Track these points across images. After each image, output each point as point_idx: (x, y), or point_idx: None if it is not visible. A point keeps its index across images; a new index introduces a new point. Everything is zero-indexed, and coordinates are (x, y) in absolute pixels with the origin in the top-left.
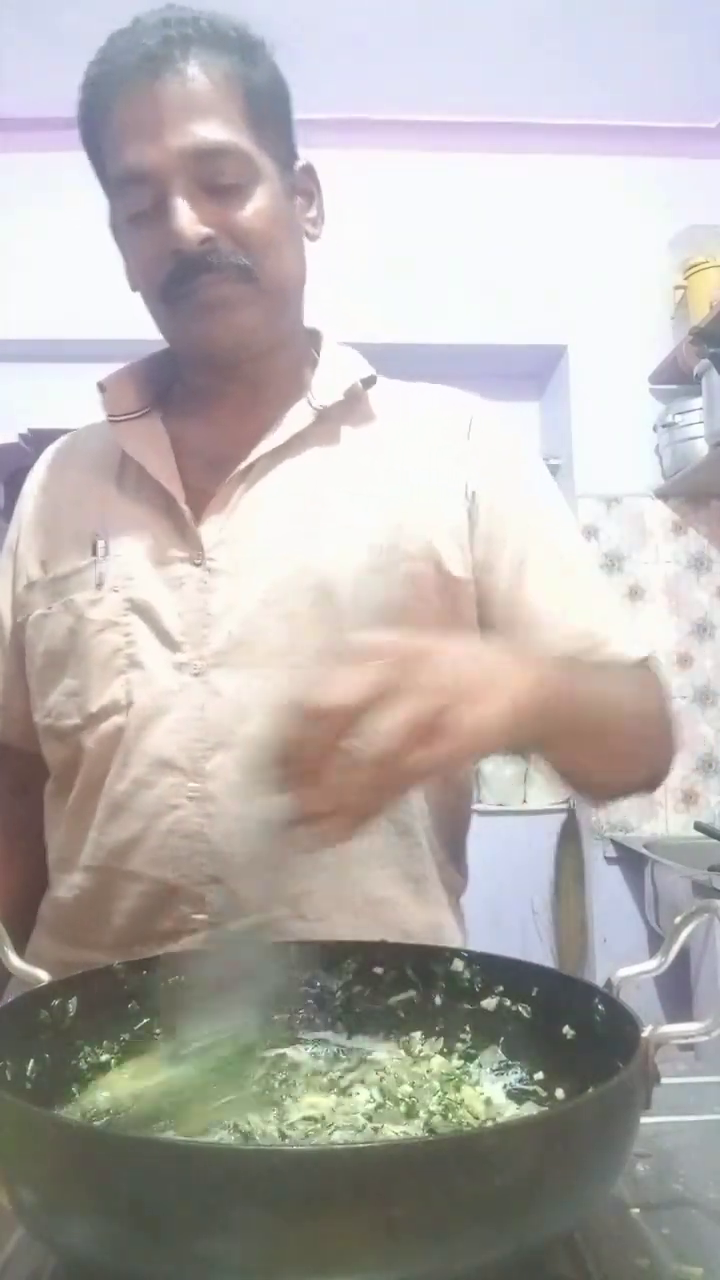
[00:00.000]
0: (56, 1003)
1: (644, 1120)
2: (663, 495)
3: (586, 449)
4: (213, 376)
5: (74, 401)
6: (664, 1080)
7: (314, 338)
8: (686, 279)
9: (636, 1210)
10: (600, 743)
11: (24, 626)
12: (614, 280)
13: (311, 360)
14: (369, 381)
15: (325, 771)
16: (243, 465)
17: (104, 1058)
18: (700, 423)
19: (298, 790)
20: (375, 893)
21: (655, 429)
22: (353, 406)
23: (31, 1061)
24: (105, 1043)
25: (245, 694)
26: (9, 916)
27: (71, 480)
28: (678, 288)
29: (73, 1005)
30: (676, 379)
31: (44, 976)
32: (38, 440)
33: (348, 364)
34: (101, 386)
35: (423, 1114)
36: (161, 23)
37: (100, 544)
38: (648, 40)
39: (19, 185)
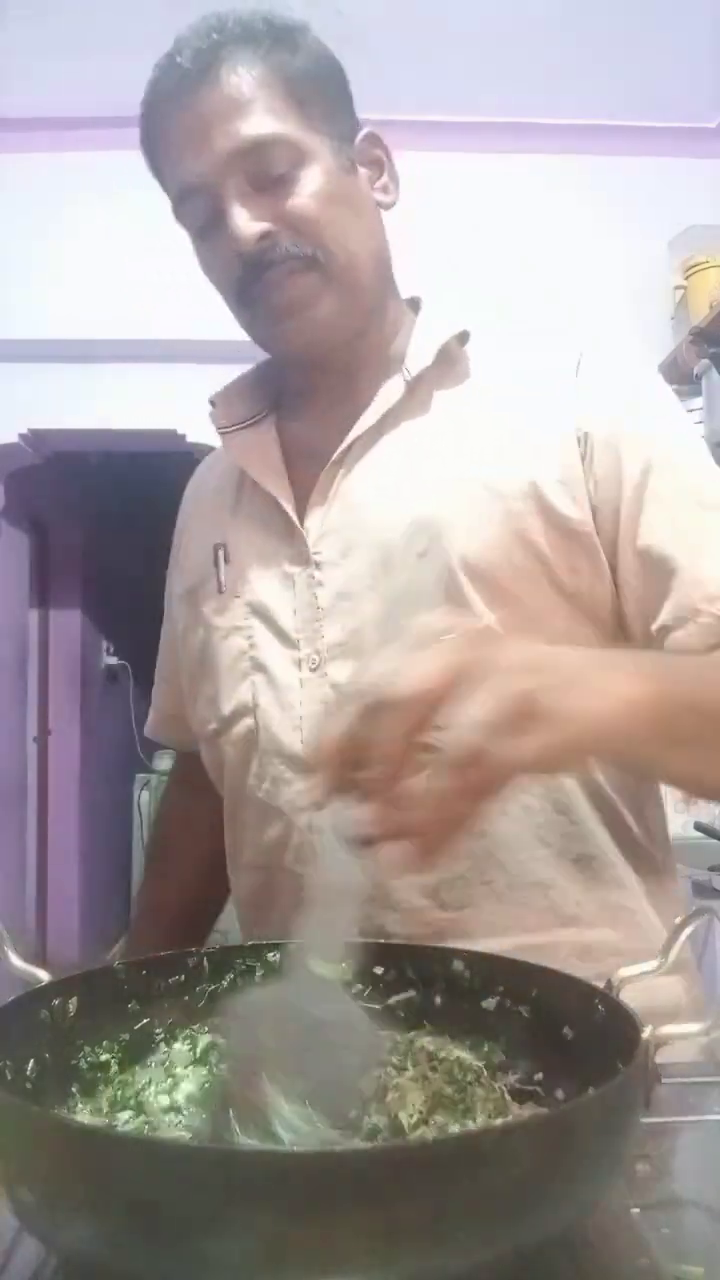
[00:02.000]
0: (56, 1003)
1: (644, 1120)
2: None
3: None
4: (306, 373)
5: (74, 401)
6: (664, 1080)
7: (412, 304)
8: (686, 279)
9: (636, 1210)
10: None
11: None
12: (614, 280)
13: (408, 329)
14: (463, 338)
15: (405, 776)
16: (336, 453)
17: (104, 1058)
18: (700, 423)
19: (373, 801)
20: (525, 877)
21: None
22: (447, 369)
23: (31, 1061)
24: (105, 1043)
25: None
26: (185, 909)
27: (204, 500)
28: (678, 288)
29: (73, 1005)
30: (676, 379)
31: (44, 976)
32: (38, 440)
33: (440, 324)
34: (211, 402)
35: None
36: (192, 35)
37: (221, 552)
38: (648, 40)
39: (20, 185)
